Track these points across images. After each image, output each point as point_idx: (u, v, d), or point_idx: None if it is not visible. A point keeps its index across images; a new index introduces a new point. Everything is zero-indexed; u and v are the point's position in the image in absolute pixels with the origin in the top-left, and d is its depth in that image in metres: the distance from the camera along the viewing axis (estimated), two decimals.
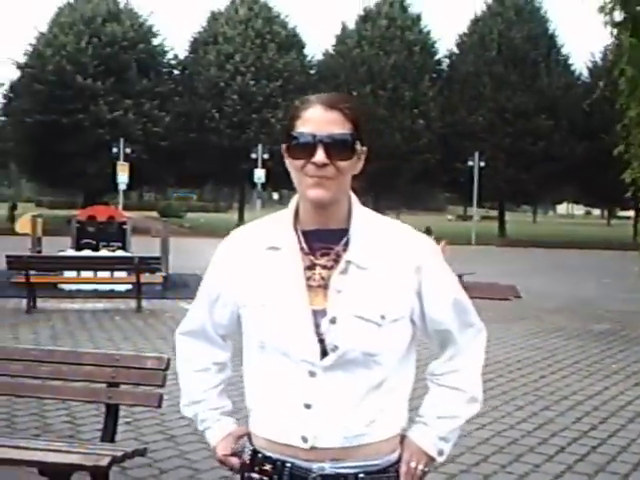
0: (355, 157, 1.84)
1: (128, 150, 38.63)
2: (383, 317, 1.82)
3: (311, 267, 1.85)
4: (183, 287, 15.35)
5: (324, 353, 1.81)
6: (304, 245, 1.86)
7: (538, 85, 43.87)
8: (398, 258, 1.86)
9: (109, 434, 3.98)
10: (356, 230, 1.86)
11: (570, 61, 48.30)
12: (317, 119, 1.79)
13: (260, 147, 40.30)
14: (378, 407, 1.84)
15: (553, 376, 8.23)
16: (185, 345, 2.11)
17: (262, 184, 41.10)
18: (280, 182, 48.40)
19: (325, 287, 1.83)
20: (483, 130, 43.06)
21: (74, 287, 13.91)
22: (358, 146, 1.84)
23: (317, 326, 1.81)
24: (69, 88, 41.14)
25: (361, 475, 1.84)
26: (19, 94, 44.71)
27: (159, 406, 4.11)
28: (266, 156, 40.35)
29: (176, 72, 48.15)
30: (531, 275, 20.85)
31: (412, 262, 1.87)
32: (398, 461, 1.91)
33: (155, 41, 47.18)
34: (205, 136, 43.36)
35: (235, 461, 1.96)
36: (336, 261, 1.84)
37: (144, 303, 12.48)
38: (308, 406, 1.81)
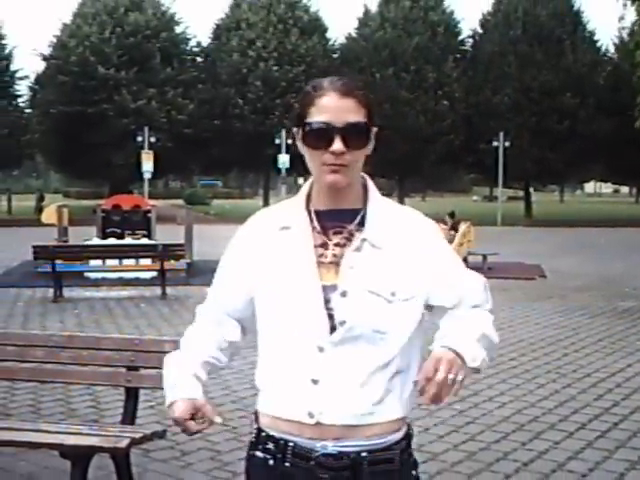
0: (369, 142, 1.88)
1: (153, 139, 38.74)
2: (394, 294, 1.84)
3: (323, 245, 1.88)
4: (208, 273, 15.15)
5: (333, 329, 1.83)
6: (316, 224, 1.90)
7: (563, 63, 43.24)
8: (411, 240, 1.89)
9: (129, 417, 4.05)
10: (372, 210, 1.90)
11: (596, 37, 47.59)
12: (333, 107, 1.81)
13: (284, 132, 40.28)
14: (385, 388, 1.85)
15: (576, 354, 8.20)
16: (196, 323, 2.10)
17: (286, 169, 41.09)
18: (305, 167, 48.50)
19: (337, 264, 1.85)
20: (508, 110, 42.60)
21: (100, 275, 14.06)
22: (372, 131, 1.88)
23: (327, 301, 1.84)
24: (93, 78, 41.37)
25: (364, 454, 1.85)
26: (44, 86, 45.03)
27: None
28: (290, 141, 40.30)
29: (199, 59, 48.17)
30: (557, 255, 20.71)
31: (423, 245, 1.90)
32: (402, 439, 1.91)
33: (178, 29, 47.19)
34: (229, 123, 43.42)
35: (193, 425, 1.89)
36: (349, 239, 1.87)
37: (169, 290, 12.59)
38: (315, 381, 1.83)
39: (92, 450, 3.69)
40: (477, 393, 6.41)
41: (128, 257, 13.72)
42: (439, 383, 1.69)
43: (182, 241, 14.59)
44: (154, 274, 13.33)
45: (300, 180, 67.66)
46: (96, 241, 15.29)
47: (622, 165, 45.94)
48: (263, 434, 1.93)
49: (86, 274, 14.12)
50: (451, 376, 1.70)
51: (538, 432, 5.53)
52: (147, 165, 36.60)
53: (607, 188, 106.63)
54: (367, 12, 48.26)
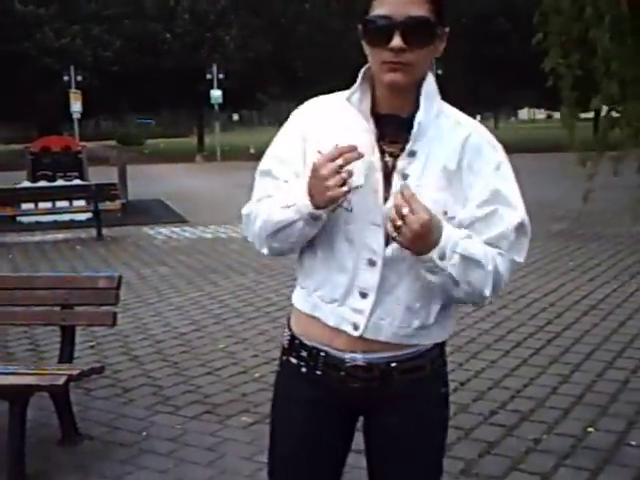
0: (436, 41, 1.75)
1: (79, 78, 37.62)
2: (445, 213, 1.78)
3: (381, 153, 1.79)
4: (144, 213, 15.30)
5: (386, 244, 1.78)
6: (376, 130, 1.79)
7: None
8: (468, 159, 1.81)
9: (66, 355, 4.02)
10: (421, 117, 1.77)
11: None
12: (395, 0, 1.68)
13: (215, 67, 39.50)
14: (430, 314, 1.84)
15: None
16: (254, 208, 1.91)
17: (219, 105, 40.44)
18: (238, 102, 47.74)
19: (389, 175, 1.78)
20: None
21: (33, 219, 13.75)
22: (439, 29, 1.75)
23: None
24: (11, 15, 39.67)
25: (393, 364, 1.85)
26: None
27: (114, 324, 4.14)
28: (222, 76, 39.60)
29: None
30: None
31: (478, 169, 1.82)
32: (431, 349, 1.89)
33: None
34: (158, 59, 42.28)
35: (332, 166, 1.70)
36: (403, 150, 1.79)
37: (104, 231, 12.40)
38: (364, 295, 1.80)
39: (29, 389, 3.66)
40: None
41: (61, 199, 13.41)
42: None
43: (114, 181, 14.33)
44: (89, 216, 13.10)
45: (235, 116, 66.62)
46: (27, 185, 14.89)
47: (554, 91, 46.41)
48: (297, 341, 1.92)
49: (18, 218, 13.79)
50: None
51: (475, 352, 5.67)
52: (75, 105, 35.60)
53: (541, 114, 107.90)
54: None
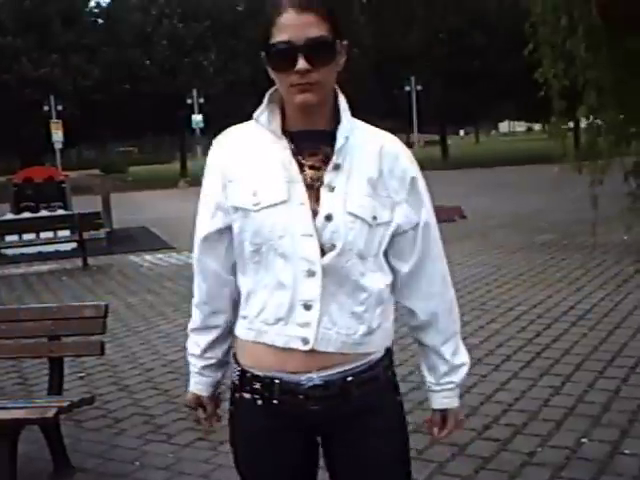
0: (337, 57, 1.81)
1: (60, 107, 37.64)
2: (375, 218, 1.83)
3: (300, 168, 1.83)
4: (129, 241, 15.27)
5: (322, 254, 1.80)
6: (291, 146, 1.83)
7: (470, 2, 43.56)
8: (389, 166, 1.87)
9: (56, 387, 4.00)
10: (345, 131, 1.84)
11: None
12: (292, 25, 1.73)
13: (195, 92, 39.63)
14: (373, 317, 1.87)
15: (498, 289, 8.41)
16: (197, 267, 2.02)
17: (201, 129, 40.54)
18: (218, 126, 47.74)
19: (313, 187, 1.81)
20: (418, 53, 42.80)
21: (17, 252, 13.67)
22: (338, 45, 1.80)
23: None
24: None
25: (349, 378, 1.86)
26: None
27: (102, 354, 4.12)
28: (202, 100, 39.73)
29: (100, 21, 46.79)
30: (476, 195, 21.10)
31: (401, 171, 1.89)
32: (384, 356, 1.94)
33: None
34: (137, 85, 42.44)
35: (201, 414, 2.08)
36: (325, 162, 1.82)
37: (90, 260, 12.36)
38: (308, 307, 1.81)
39: (19, 423, 3.63)
40: (404, 336, 6.43)
41: (45, 230, 13.36)
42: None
43: (98, 210, 14.30)
44: (74, 246, 13.06)
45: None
46: (10, 217, 14.83)
47: (533, 103, 46.76)
48: (248, 375, 1.90)
49: (3, 251, 13.72)
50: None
51: None
52: (57, 135, 35.60)
53: (520, 127, 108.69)
54: None
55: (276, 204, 1.80)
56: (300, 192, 1.80)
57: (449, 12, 42.93)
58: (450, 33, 42.94)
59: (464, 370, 2.02)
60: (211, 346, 2.01)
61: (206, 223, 1.94)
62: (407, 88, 41.01)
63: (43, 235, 13.49)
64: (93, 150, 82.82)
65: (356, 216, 1.80)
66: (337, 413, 1.87)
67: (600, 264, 9.50)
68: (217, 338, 2.01)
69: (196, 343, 2.03)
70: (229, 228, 1.90)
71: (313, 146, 1.82)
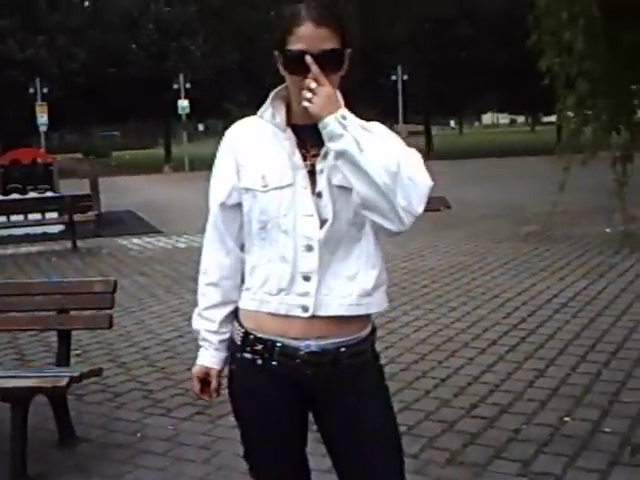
0: (344, 64, 2.04)
1: (45, 90, 37.42)
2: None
3: (304, 157, 2.06)
4: (117, 224, 15.34)
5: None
6: (295, 137, 2.07)
7: None
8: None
9: (63, 359, 4.12)
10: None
11: None
12: (309, 36, 1.96)
13: (182, 76, 39.50)
14: (369, 282, 2.07)
15: (484, 277, 8.61)
16: (204, 255, 2.24)
17: (187, 115, 40.44)
18: (205, 112, 47.65)
19: (314, 173, 2.05)
20: (404, 43, 42.84)
21: (5, 233, 13.71)
22: (345, 54, 2.03)
23: None
24: None
25: (342, 349, 2.07)
26: None
27: (110, 327, 4.26)
28: (188, 85, 39.61)
29: (87, 4, 46.42)
30: (460, 186, 21.27)
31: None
32: (370, 334, 2.15)
33: None
34: (124, 69, 42.19)
35: (197, 386, 2.23)
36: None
37: (79, 243, 12.44)
38: (307, 278, 2.03)
39: (32, 391, 3.77)
40: (393, 320, 6.69)
41: (34, 211, 13.41)
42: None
43: (88, 192, 14.37)
44: (61, 228, 13.12)
45: (200, 126, 66.44)
46: None
47: (517, 95, 47.01)
48: (251, 336, 2.10)
49: None
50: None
51: (453, 351, 5.86)
52: (42, 118, 35.45)
53: (504, 119, 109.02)
54: None
55: (282, 187, 2.04)
56: (303, 177, 2.04)
57: (437, 2, 42.98)
58: (436, 23, 43.00)
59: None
60: (226, 319, 2.18)
61: (222, 196, 2.14)
62: (393, 77, 41.08)
63: (31, 217, 13.55)
64: (76, 134, 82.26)
65: (340, 187, 2.01)
66: (326, 377, 2.09)
67: (583, 254, 9.72)
68: (231, 312, 2.18)
69: (210, 319, 2.19)
70: (240, 205, 2.12)
71: (315, 138, 2.01)
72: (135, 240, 13.20)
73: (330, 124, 1.91)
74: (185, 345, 6.08)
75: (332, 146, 1.92)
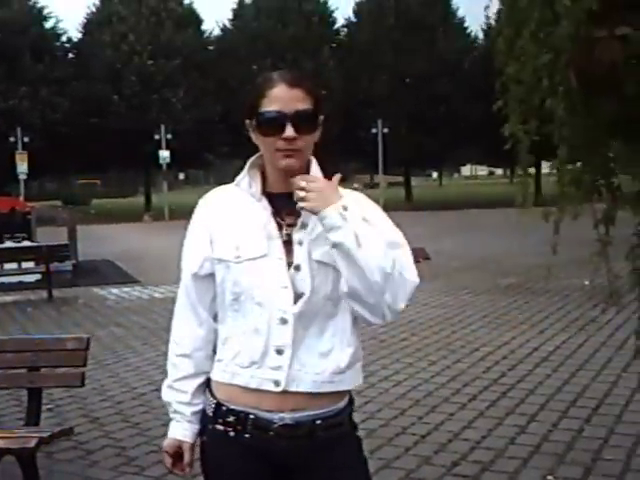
0: (318, 128, 2.04)
1: (26, 139, 37.41)
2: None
3: (279, 226, 2.03)
4: (94, 273, 15.20)
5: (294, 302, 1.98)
6: (270, 206, 2.04)
7: (436, 49, 44.50)
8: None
9: (33, 418, 4.00)
10: None
11: (466, 24, 49.31)
12: (283, 97, 1.96)
13: (163, 128, 39.69)
14: (343, 360, 2.01)
15: (464, 330, 8.56)
16: (175, 325, 2.17)
17: (167, 164, 40.53)
18: (185, 162, 47.78)
19: (290, 243, 2.01)
20: (385, 97, 43.44)
21: None
22: (319, 119, 2.03)
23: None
24: None
25: (318, 421, 2.01)
26: None
27: (82, 385, 4.15)
28: (169, 136, 39.80)
29: (71, 55, 46.77)
30: (439, 237, 21.35)
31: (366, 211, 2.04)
32: (347, 405, 2.09)
33: (47, 24, 45.69)
34: (105, 120, 42.34)
35: (169, 461, 2.13)
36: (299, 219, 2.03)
37: (55, 292, 12.28)
38: (280, 352, 1.98)
39: (0, 452, 3.63)
40: (373, 374, 6.61)
41: (10, 261, 13.25)
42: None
43: (65, 242, 14.25)
44: (38, 277, 12.97)
45: (181, 175, 66.68)
46: None
47: (495, 147, 47.50)
48: (223, 408, 2.04)
49: None
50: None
51: (433, 406, 5.78)
52: (22, 166, 35.39)
53: (482, 170, 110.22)
54: (242, 2, 48.11)
55: (256, 258, 2.00)
56: (278, 248, 2.00)
57: (416, 59, 43.75)
58: (416, 78, 43.72)
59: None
60: (198, 390, 2.11)
61: (195, 266, 2.09)
62: (374, 130, 41.54)
63: (7, 266, 13.38)
64: (56, 182, 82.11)
65: (320, 262, 1.98)
66: (302, 451, 2.02)
67: (562, 307, 9.72)
68: (203, 382, 2.12)
69: (181, 391, 2.11)
70: (213, 276, 2.07)
71: (290, 206, 2.00)
72: (112, 290, 13.06)
73: (329, 216, 1.89)
74: (161, 399, 5.92)
75: (330, 237, 1.90)
